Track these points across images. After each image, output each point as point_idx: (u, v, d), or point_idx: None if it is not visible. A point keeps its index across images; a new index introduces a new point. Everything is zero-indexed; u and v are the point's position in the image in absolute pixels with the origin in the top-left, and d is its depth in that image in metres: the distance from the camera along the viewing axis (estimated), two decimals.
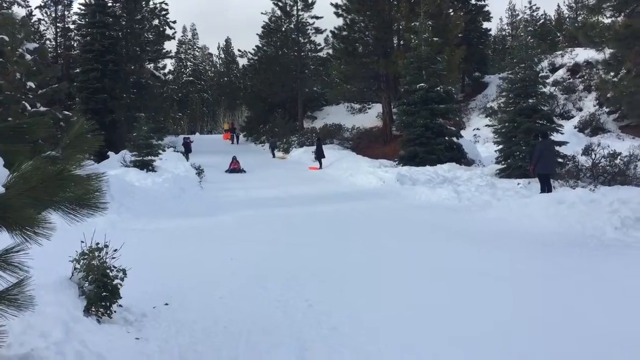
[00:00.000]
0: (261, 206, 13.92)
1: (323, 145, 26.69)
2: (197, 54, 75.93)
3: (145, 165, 17.38)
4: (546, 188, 13.62)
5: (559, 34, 40.00)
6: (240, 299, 6.06)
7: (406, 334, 4.93)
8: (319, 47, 41.90)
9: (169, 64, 67.64)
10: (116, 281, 4.91)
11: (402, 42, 30.21)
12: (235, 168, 24.96)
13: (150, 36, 37.34)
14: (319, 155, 25.35)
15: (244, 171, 24.67)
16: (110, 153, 22.86)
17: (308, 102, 42.86)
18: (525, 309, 5.69)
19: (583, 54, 28.72)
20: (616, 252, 8.53)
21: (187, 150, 29.80)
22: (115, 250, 5.19)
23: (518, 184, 15.32)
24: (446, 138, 20.66)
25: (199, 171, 20.41)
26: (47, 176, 2.48)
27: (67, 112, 20.25)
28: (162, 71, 42.71)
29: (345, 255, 8.53)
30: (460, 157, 20.33)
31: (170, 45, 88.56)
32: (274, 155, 33.21)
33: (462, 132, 24.20)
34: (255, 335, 4.92)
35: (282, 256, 8.44)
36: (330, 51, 36.64)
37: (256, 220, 11.86)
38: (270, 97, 41.60)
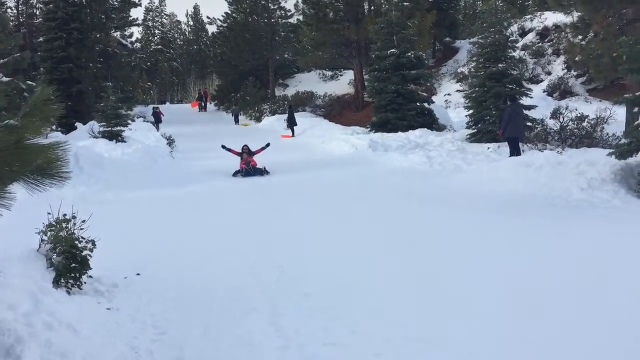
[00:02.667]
0: (232, 176, 13.85)
1: (295, 113, 26.51)
2: (165, 21, 74.13)
3: (115, 136, 17.04)
4: (515, 152, 13.80)
5: None
6: (213, 267, 6.07)
7: (376, 298, 5.01)
8: (289, 13, 41.27)
9: (136, 32, 66.01)
10: (85, 252, 4.87)
11: (372, 8, 29.93)
12: (248, 169, 14.18)
13: (116, 3, 36.24)
14: (291, 123, 25.20)
15: (267, 172, 14.26)
16: (77, 124, 22.34)
17: (279, 70, 42.37)
18: (493, 266, 5.82)
19: (552, 18, 28.80)
20: (582, 212, 8.73)
21: (157, 120, 29.30)
22: (84, 221, 5.14)
23: (488, 148, 15.48)
24: (417, 104, 20.66)
25: (170, 141, 20.14)
26: (4, 145, 2.42)
27: (31, 82, 19.68)
28: (129, 39, 41.68)
29: (318, 222, 8.57)
30: (431, 122, 20.37)
31: (136, 13, 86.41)
32: (237, 122, 33.92)
33: (434, 98, 24.23)
34: (227, 302, 4.95)
35: (255, 224, 8.45)
36: (301, 17, 36.11)
37: (228, 189, 11.82)
38: (241, 64, 41.00)
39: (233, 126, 33.04)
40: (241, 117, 34.92)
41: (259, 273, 5.82)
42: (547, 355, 3.80)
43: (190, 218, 8.88)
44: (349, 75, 35.25)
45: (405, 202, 10.03)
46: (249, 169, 14.10)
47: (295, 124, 25.21)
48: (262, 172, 14.12)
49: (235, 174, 14.06)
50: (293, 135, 24.88)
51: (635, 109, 10.32)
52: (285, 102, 32.73)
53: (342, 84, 36.70)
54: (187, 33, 74.49)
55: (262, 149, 15.22)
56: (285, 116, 26.61)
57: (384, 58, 20.98)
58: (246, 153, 14.87)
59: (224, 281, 5.52)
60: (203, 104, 44.11)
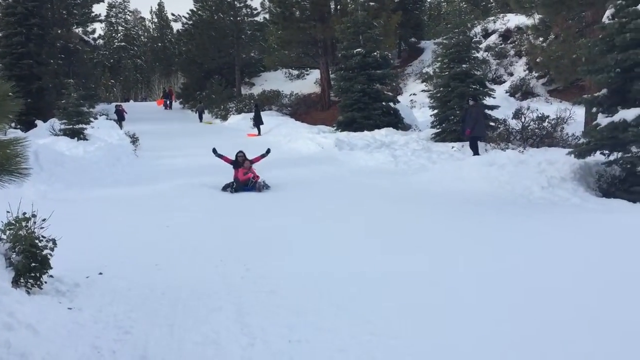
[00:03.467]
0: (198, 174, 13.68)
1: (261, 112, 26.42)
2: (128, 18, 72.90)
3: (76, 134, 16.69)
4: (475, 151, 14.08)
5: (491, 0, 40.72)
6: (178, 266, 6.01)
7: (342, 295, 5.03)
8: (255, 12, 41.03)
9: (99, 28, 64.74)
10: (46, 251, 4.76)
11: (339, 7, 30.00)
12: (247, 184, 11.63)
13: None
14: (258, 122, 25.10)
15: (267, 187, 11.73)
16: (38, 121, 21.85)
17: (245, 68, 42.12)
18: (458, 262, 5.92)
19: (514, 20, 29.36)
20: (542, 209, 8.94)
21: (120, 118, 28.81)
22: (44, 220, 5.02)
23: (452, 147, 15.71)
24: (383, 103, 20.81)
25: (134, 139, 19.85)
26: None
27: None
28: (91, 36, 40.80)
29: (284, 220, 8.57)
30: (397, 122, 20.55)
31: (99, 9, 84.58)
32: (201, 120, 34.02)
33: (399, 98, 24.42)
34: (193, 300, 4.90)
35: (220, 223, 8.41)
36: (267, 16, 35.98)
37: (193, 188, 11.69)
38: (207, 63, 40.63)
39: (198, 124, 32.89)
40: (207, 116, 34.70)
41: (225, 271, 5.78)
42: (507, 344, 3.88)
43: (155, 217, 8.77)
44: (315, 74, 35.29)
45: (371, 201, 10.09)
46: (249, 183, 11.53)
47: (262, 123, 25.12)
48: (261, 187, 11.48)
49: (225, 188, 11.59)
50: (259, 134, 24.78)
51: (594, 110, 10.60)
52: (252, 101, 32.59)
53: (309, 83, 36.72)
54: (151, 30, 73.41)
55: (262, 156, 12.73)
56: (252, 115, 26.49)
57: (350, 57, 21.07)
58: (242, 161, 12.20)
59: (189, 280, 5.47)
60: (168, 102, 43.63)
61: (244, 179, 11.64)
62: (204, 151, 18.92)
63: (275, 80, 39.45)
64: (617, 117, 9.53)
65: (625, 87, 9.85)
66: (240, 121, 29.52)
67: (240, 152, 12.68)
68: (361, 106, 20.29)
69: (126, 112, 29.97)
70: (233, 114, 32.66)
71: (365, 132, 18.75)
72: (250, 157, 12.55)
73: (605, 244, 6.54)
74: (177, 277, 5.56)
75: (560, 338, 4.00)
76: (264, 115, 26.71)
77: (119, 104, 34.62)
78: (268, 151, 12.97)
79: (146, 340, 4.02)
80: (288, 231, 7.85)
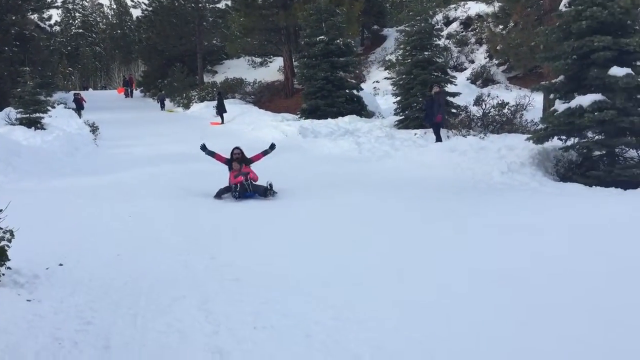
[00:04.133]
0: (160, 163, 13.52)
1: (224, 100, 26.17)
2: (86, 4, 71.09)
3: (33, 123, 16.25)
4: (439, 137, 14.27)
5: None
6: (140, 255, 5.94)
7: (306, 281, 5.06)
8: None
9: (56, 15, 63.03)
10: (3, 243, 4.65)
11: None
12: (245, 186, 9.48)
13: None
14: (221, 110, 24.87)
15: (272, 191, 9.42)
16: None
17: (208, 56, 41.55)
18: (414, 247, 6.01)
19: (475, 8, 29.70)
20: (502, 194, 9.13)
21: (78, 106, 28.12)
22: (0, 210, 4.90)
23: (415, 134, 15.86)
24: (347, 91, 20.86)
25: (94, 128, 19.44)
26: None
27: None
28: (47, 23, 39.65)
29: (248, 208, 8.55)
30: (360, 109, 20.64)
31: None
32: (162, 108, 33.72)
33: (363, 85, 24.51)
34: (156, 290, 4.86)
35: (183, 212, 8.33)
36: (229, 3, 35.55)
37: (155, 177, 11.54)
38: (168, 50, 39.96)
39: (159, 112, 32.44)
40: (169, 104, 34.26)
41: (189, 260, 5.75)
42: (465, 326, 3.97)
43: (116, 207, 8.62)
44: (278, 62, 35.09)
45: (336, 187, 10.11)
46: (246, 186, 9.38)
47: (225, 111, 24.91)
48: (266, 190, 9.28)
49: (220, 194, 9.51)
50: (222, 122, 24.57)
51: (551, 96, 10.85)
52: (214, 89, 32.23)
53: (272, 71, 36.50)
54: (110, 17, 71.82)
55: (264, 153, 10.42)
56: (215, 103, 26.23)
57: (313, 45, 21.03)
58: (238, 161, 10.03)
59: (153, 269, 5.42)
60: (129, 91, 42.83)
61: (234, 182, 9.54)
62: (165, 140, 18.76)
63: (238, 68, 39.08)
64: (573, 103, 9.77)
65: (582, 74, 10.10)
66: (203, 109, 29.21)
67: (237, 148, 10.27)
68: (325, 94, 20.31)
69: (85, 101, 29.30)
70: (196, 102, 32.26)
71: (329, 120, 18.79)
72: (249, 155, 10.35)
73: (561, 227, 6.72)
74: (139, 267, 5.50)
75: (516, 319, 4.12)
76: (227, 103, 26.48)
77: (77, 92, 33.82)
78: (272, 146, 10.50)
79: (109, 331, 3.98)
80: (254, 219, 7.84)
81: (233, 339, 3.86)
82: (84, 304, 4.45)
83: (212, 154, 10.39)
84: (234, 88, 33.31)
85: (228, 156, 10.21)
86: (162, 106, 34.02)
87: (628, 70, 9.37)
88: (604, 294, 4.55)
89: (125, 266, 5.51)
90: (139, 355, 3.66)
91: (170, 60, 39.12)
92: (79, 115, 25.33)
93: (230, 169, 9.97)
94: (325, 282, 5.00)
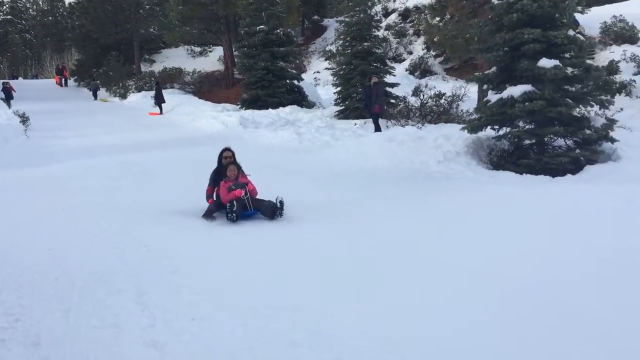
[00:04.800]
0: (95, 154, 13.16)
1: (163, 90, 25.62)
2: None
3: None
4: (378, 127, 14.48)
5: None
6: (73, 249, 5.76)
7: (242, 271, 5.06)
8: None
9: None
10: None
11: None
12: (244, 203, 7.10)
13: None
14: (159, 100, 24.34)
15: (280, 209, 6.97)
16: None
17: (145, 45, 40.47)
18: (355, 234, 6.11)
19: None
20: (438, 182, 9.38)
21: (7, 96, 26.93)
22: None
23: (355, 124, 16.03)
24: (287, 81, 20.85)
25: (24, 119, 18.68)
26: None
27: None
28: None
29: (186, 197, 8.42)
30: (301, 99, 20.68)
31: None
32: (95, 98, 33.03)
33: (303, 75, 24.51)
34: (90, 284, 4.74)
35: (117, 203, 8.12)
36: None
37: (89, 168, 11.20)
38: (103, 38, 38.66)
39: (93, 102, 31.52)
40: (104, 94, 33.29)
41: (124, 253, 5.62)
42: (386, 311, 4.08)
43: (48, 199, 8.31)
44: (218, 51, 34.63)
45: (273, 176, 10.07)
46: (245, 202, 7.06)
47: (164, 101, 24.41)
48: (275, 209, 6.96)
49: (209, 214, 7.25)
50: (161, 112, 24.08)
51: (485, 87, 11.17)
52: (152, 79, 31.49)
53: (212, 61, 36.01)
54: (40, 2, 68.82)
55: (252, 191, 7.35)
56: (153, 93, 25.66)
57: (253, 34, 20.89)
58: (234, 169, 7.43)
59: (86, 263, 5.27)
60: (64, 80, 41.37)
61: (229, 197, 7.01)
62: (99, 130, 18.24)
63: (176, 58, 38.33)
64: (505, 94, 10.10)
65: (513, 65, 10.43)
66: (141, 100, 28.54)
67: (228, 150, 7.79)
68: (265, 84, 20.23)
69: (14, 90, 28.07)
70: (133, 92, 31.47)
71: (270, 110, 18.74)
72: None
73: (494, 212, 6.97)
74: (72, 261, 5.34)
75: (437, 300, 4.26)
76: (166, 93, 25.95)
77: (6, 81, 32.30)
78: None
79: (39, 327, 3.86)
80: (189, 208, 7.73)
81: (169, 331, 3.82)
82: (12, 301, 4.29)
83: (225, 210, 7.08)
84: (172, 78, 32.63)
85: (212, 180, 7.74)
86: (95, 96, 33.22)
87: (556, 62, 9.75)
88: (536, 271, 4.77)
89: (57, 261, 5.34)
90: (70, 351, 3.57)
91: (106, 49, 37.91)
92: (8, 105, 24.26)
93: (220, 179, 7.42)
94: (261, 272, 5.01)
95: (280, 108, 18.94)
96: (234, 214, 6.84)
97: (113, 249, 5.77)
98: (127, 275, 4.97)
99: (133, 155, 13.03)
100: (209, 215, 7.25)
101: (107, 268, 5.17)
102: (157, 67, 37.23)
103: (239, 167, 7.51)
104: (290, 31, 22.38)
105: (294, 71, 21.81)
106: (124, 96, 31.42)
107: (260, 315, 4.03)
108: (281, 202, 6.91)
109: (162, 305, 4.25)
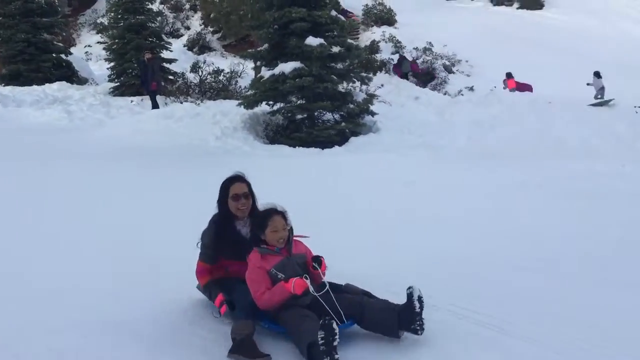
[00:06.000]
0: None
1: None
2: None
3: None
4: (154, 104, 14.20)
5: None
6: None
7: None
8: None
9: None
10: None
11: None
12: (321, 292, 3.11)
13: None
14: None
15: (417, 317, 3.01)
16: None
17: None
18: (113, 211, 6.03)
19: None
20: (217, 158, 9.54)
21: None
22: None
23: (132, 101, 15.45)
24: (54, 55, 19.17)
25: None
26: None
27: None
28: None
29: None
30: (71, 75, 19.17)
31: None
32: None
33: (73, 50, 22.73)
34: None
35: None
36: None
37: None
38: None
39: None
40: None
41: None
42: None
43: None
44: None
45: (37, 157, 9.31)
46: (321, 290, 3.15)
47: None
48: (410, 315, 3.06)
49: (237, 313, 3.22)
50: None
51: (258, 63, 11.57)
52: None
53: None
54: None
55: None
56: None
57: (8, 2, 18.75)
58: (282, 224, 3.29)
59: None
60: None
61: (300, 288, 3.08)
62: None
63: None
64: (277, 70, 10.60)
65: (283, 43, 10.97)
66: None
67: (239, 179, 3.78)
68: (27, 58, 18.39)
69: None
70: None
71: (34, 87, 17.08)
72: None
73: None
74: None
75: None
76: None
77: None
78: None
79: None
80: None
81: None
82: None
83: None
84: None
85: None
86: None
87: (321, 40, 10.49)
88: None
89: None
90: None
91: None
92: None
93: (237, 246, 3.51)
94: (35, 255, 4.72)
95: (47, 84, 17.37)
96: (327, 318, 2.90)
97: None
98: None
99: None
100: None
101: None
102: None
103: (284, 217, 3.39)
104: (53, 0, 20.53)
105: (60, 44, 20.10)
106: None
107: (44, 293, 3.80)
108: (420, 299, 3.12)
109: None
